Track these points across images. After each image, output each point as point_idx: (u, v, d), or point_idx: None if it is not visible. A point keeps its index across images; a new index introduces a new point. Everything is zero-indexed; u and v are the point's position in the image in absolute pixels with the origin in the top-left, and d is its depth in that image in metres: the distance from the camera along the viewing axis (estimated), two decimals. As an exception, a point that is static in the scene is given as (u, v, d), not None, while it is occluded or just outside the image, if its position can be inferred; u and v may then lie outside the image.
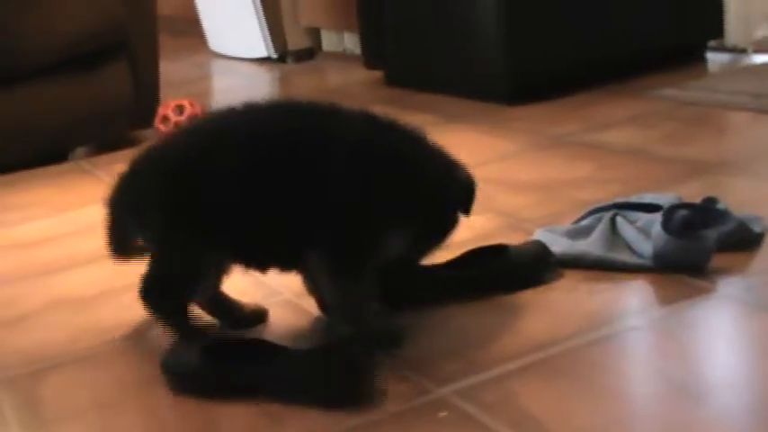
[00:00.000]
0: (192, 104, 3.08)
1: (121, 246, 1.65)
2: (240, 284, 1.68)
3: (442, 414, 1.30)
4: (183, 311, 1.56)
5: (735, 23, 3.41)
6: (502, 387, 1.36)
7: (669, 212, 1.70)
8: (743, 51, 3.41)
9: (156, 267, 1.57)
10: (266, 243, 1.51)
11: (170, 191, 1.51)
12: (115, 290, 1.90)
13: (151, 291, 1.57)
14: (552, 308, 1.60)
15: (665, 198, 1.83)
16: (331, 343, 1.44)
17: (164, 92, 3.35)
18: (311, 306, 1.67)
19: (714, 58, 3.42)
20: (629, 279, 1.66)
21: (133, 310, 1.76)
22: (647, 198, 1.85)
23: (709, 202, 1.80)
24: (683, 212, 1.72)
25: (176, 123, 3.04)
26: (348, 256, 1.48)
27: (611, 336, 1.48)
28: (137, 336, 1.67)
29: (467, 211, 1.57)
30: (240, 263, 1.55)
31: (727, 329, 1.50)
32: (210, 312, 1.63)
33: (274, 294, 1.76)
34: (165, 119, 3.06)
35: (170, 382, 1.43)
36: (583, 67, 3.18)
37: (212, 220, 1.49)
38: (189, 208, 1.50)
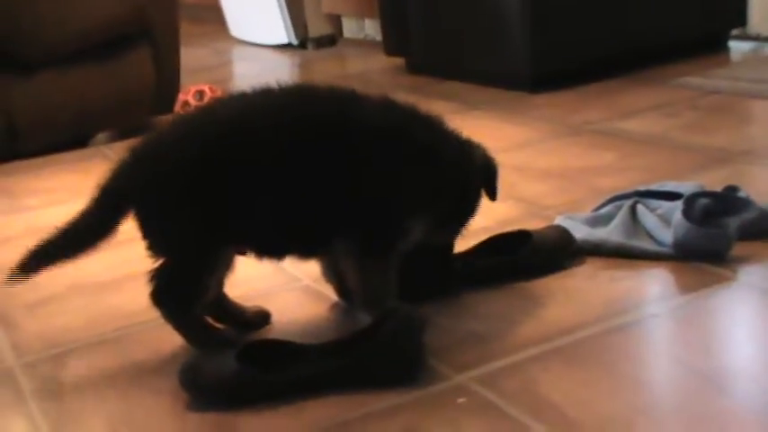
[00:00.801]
0: (212, 90, 3.09)
1: (91, 236, 1.53)
2: (257, 271, 1.68)
3: (461, 400, 1.30)
4: (196, 311, 1.53)
5: (758, 12, 3.38)
6: (521, 374, 1.36)
7: (690, 200, 1.69)
8: (766, 40, 3.38)
9: (169, 261, 1.50)
10: (292, 232, 1.49)
11: (186, 180, 1.45)
12: (135, 274, 1.89)
13: (165, 289, 1.51)
14: (572, 295, 1.59)
15: (686, 186, 1.82)
16: (380, 322, 1.40)
17: (185, 78, 3.36)
18: (331, 291, 1.67)
19: (737, 47, 3.40)
20: (649, 267, 1.65)
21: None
22: (669, 186, 1.84)
23: (731, 190, 1.79)
24: (704, 201, 1.71)
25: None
26: (375, 240, 1.48)
27: (632, 323, 1.47)
28: (157, 319, 1.67)
29: (492, 195, 1.57)
30: (259, 252, 1.53)
31: (748, 318, 1.50)
32: (215, 318, 1.59)
33: (294, 281, 1.76)
34: (186, 104, 3.07)
35: (196, 394, 1.38)
36: (606, 55, 3.16)
37: (233, 210, 1.45)
38: (207, 198, 1.45)
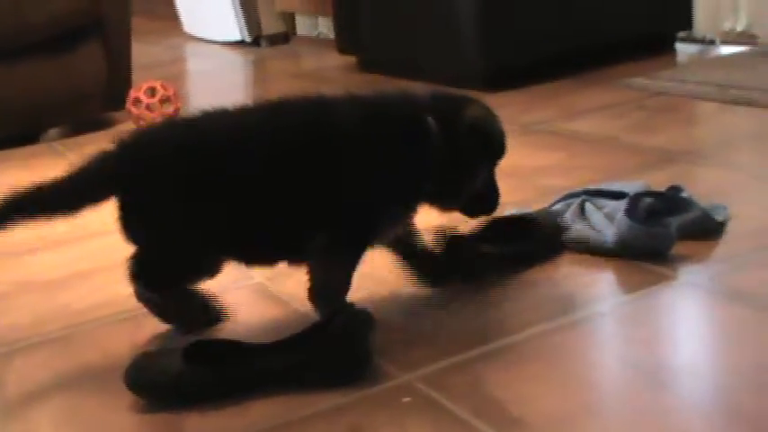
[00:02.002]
0: (164, 87, 3.08)
1: (64, 205, 1.51)
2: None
3: (406, 399, 1.32)
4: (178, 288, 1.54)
5: (703, 15, 3.43)
6: (467, 372, 1.37)
7: (634, 200, 1.72)
8: (711, 42, 3.44)
9: (153, 254, 1.52)
10: (276, 236, 1.50)
11: (186, 175, 1.47)
12: (84, 273, 1.90)
13: (144, 276, 1.52)
14: (517, 295, 1.61)
15: (632, 186, 1.85)
16: (328, 321, 1.41)
17: (137, 74, 3.34)
18: (282, 290, 1.68)
19: (683, 49, 3.45)
20: (592, 267, 1.68)
21: (102, 294, 1.77)
22: (616, 186, 1.87)
23: (674, 190, 1.82)
24: (648, 200, 1.74)
25: (148, 105, 3.04)
26: (352, 235, 1.50)
27: (576, 322, 1.49)
28: (105, 319, 1.67)
29: (492, 156, 1.58)
30: (248, 260, 1.56)
31: (689, 317, 1.53)
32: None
33: (245, 278, 1.76)
34: (137, 101, 3.05)
35: (142, 393, 1.38)
36: (556, 56, 3.19)
37: (223, 217, 1.47)
38: (203, 204, 1.47)
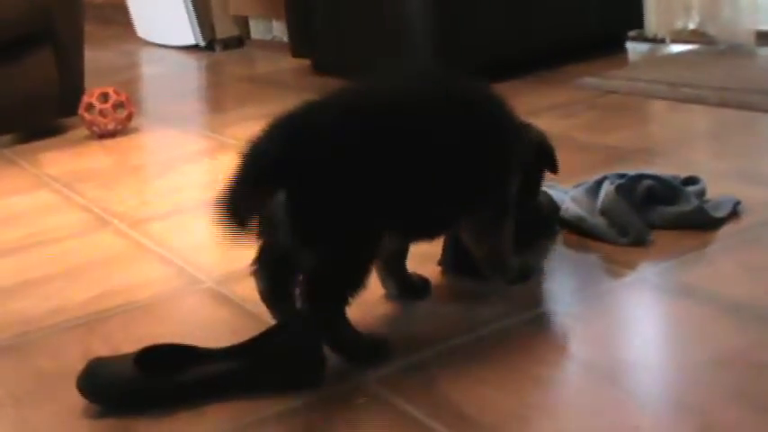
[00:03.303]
0: (116, 92, 3.06)
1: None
2: (159, 274, 1.67)
3: (361, 401, 1.32)
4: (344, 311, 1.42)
5: (654, 14, 3.47)
6: (421, 373, 1.38)
7: (634, 179, 1.77)
8: (662, 41, 3.48)
9: (331, 257, 1.38)
10: (437, 214, 1.50)
11: (351, 159, 1.37)
12: (37, 280, 1.88)
13: (325, 288, 1.39)
14: (471, 293, 1.62)
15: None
16: (282, 324, 1.41)
17: (91, 80, 3.32)
18: (234, 293, 1.67)
19: (634, 48, 3.49)
20: (548, 264, 1.69)
21: (54, 300, 1.75)
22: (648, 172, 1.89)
23: (689, 181, 1.86)
24: (648, 182, 1.78)
25: (101, 111, 3.02)
26: (502, 207, 1.56)
27: (530, 320, 1.51)
28: (57, 326, 1.66)
29: (554, 168, 1.65)
30: (407, 237, 1.53)
31: (639, 313, 1.54)
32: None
33: (196, 282, 1.76)
34: (90, 106, 3.03)
35: (94, 399, 1.36)
36: (508, 56, 3.21)
37: (394, 196, 1.40)
38: (368, 179, 1.37)
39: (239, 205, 1.31)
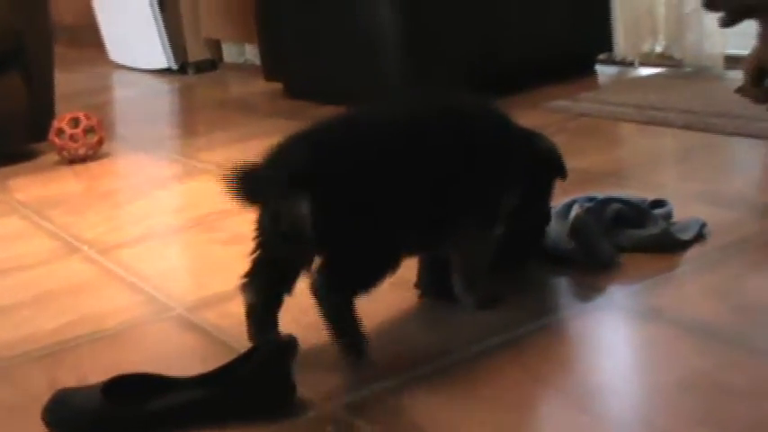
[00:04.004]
0: (87, 117, 3.05)
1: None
2: (128, 301, 1.66)
3: (329, 429, 1.32)
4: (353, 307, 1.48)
5: (623, 38, 3.50)
6: (390, 400, 1.37)
7: (603, 203, 1.80)
8: (630, 64, 3.51)
9: (347, 259, 1.46)
10: (445, 225, 1.55)
11: (378, 169, 1.47)
12: (4, 308, 1.87)
13: (337, 280, 1.45)
14: (439, 319, 1.62)
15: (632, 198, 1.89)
16: (249, 353, 1.41)
17: (62, 104, 3.30)
18: (204, 320, 1.67)
19: (604, 71, 3.51)
20: (512, 289, 1.70)
21: (21, 330, 1.74)
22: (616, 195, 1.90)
23: (658, 204, 1.87)
24: (616, 206, 1.80)
25: (72, 136, 3.01)
26: (490, 221, 1.60)
27: (498, 345, 1.51)
28: (24, 356, 1.64)
29: (564, 174, 1.72)
30: (421, 250, 1.62)
31: (608, 336, 1.55)
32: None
33: (166, 310, 1.75)
34: (60, 131, 3.02)
35: (60, 429, 1.35)
36: (479, 79, 3.22)
37: (403, 209, 1.49)
38: (391, 192, 1.47)
39: (258, 187, 1.40)
